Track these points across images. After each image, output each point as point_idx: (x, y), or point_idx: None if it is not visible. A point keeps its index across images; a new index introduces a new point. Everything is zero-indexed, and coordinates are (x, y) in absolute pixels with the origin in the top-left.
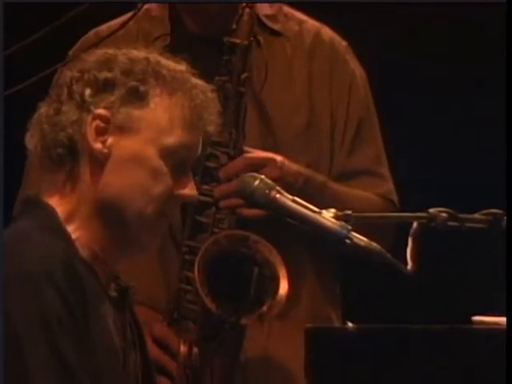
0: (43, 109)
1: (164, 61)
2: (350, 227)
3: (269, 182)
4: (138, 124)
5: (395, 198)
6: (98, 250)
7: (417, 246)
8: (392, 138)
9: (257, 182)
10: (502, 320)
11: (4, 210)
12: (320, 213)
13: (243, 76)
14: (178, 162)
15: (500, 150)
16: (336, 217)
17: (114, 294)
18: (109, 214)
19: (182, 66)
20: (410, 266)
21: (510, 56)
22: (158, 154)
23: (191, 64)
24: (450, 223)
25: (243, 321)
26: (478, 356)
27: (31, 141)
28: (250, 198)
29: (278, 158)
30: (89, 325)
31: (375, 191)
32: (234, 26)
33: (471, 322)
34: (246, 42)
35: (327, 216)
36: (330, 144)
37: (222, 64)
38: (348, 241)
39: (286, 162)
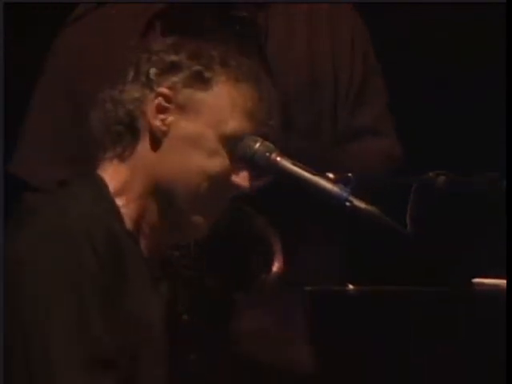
0: (107, 90)
1: (232, 52)
2: (349, 190)
3: (269, 144)
4: (199, 106)
5: (399, 154)
6: (146, 226)
7: (416, 208)
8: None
9: (257, 145)
10: (502, 282)
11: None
12: (320, 175)
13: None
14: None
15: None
16: (336, 179)
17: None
18: (161, 192)
19: (248, 61)
20: (409, 228)
21: (510, 56)
22: (217, 138)
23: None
24: (450, 185)
25: (235, 295)
26: (478, 317)
27: (93, 119)
28: (251, 160)
29: None
30: (124, 294)
31: (378, 149)
32: None
33: (472, 284)
34: (252, 15)
35: (327, 179)
36: (333, 101)
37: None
38: (348, 203)
39: None
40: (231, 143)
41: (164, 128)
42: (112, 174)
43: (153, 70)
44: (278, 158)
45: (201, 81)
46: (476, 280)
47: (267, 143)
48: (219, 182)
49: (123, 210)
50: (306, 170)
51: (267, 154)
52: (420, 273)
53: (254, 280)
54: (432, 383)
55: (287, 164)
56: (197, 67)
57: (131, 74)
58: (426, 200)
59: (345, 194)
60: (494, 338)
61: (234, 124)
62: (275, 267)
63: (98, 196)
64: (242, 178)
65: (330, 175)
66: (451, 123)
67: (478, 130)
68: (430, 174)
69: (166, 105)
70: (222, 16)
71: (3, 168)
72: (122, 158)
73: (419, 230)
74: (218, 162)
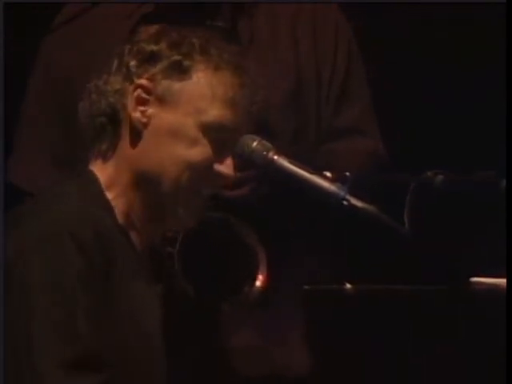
0: (95, 80)
1: (214, 40)
2: (347, 189)
3: (267, 143)
4: (178, 97)
5: (383, 153)
6: (135, 219)
7: (414, 207)
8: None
9: (255, 144)
10: (502, 281)
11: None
12: (317, 174)
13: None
14: (217, 139)
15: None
16: (334, 178)
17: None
18: (145, 183)
19: (233, 48)
20: (407, 226)
21: (510, 56)
22: (197, 127)
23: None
24: (448, 185)
25: (221, 306)
26: (478, 317)
27: (81, 110)
28: (249, 158)
29: None
30: (117, 291)
31: (363, 148)
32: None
33: (471, 284)
34: (229, 24)
35: (325, 177)
36: (317, 103)
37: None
38: (345, 202)
39: None
40: (213, 132)
41: (144, 120)
42: (100, 169)
43: (133, 62)
44: (276, 157)
45: (179, 71)
46: (475, 279)
47: (265, 142)
48: (201, 172)
49: (114, 204)
50: (304, 169)
51: (264, 153)
52: (419, 272)
53: (239, 291)
54: (431, 383)
55: (284, 163)
56: (176, 57)
57: (115, 64)
58: (424, 199)
59: (342, 193)
60: (494, 337)
61: (213, 112)
62: (259, 279)
63: (87, 191)
64: (226, 166)
65: (328, 174)
66: (451, 123)
67: (477, 129)
68: (428, 173)
69: (146, 96)
70: (199, 24)
71: (3, 170)
72: (105, 157)
73: (418, 228)
74: (199, 151)
